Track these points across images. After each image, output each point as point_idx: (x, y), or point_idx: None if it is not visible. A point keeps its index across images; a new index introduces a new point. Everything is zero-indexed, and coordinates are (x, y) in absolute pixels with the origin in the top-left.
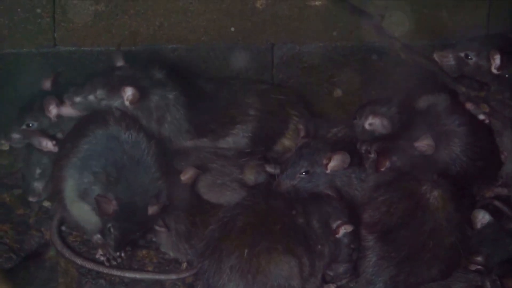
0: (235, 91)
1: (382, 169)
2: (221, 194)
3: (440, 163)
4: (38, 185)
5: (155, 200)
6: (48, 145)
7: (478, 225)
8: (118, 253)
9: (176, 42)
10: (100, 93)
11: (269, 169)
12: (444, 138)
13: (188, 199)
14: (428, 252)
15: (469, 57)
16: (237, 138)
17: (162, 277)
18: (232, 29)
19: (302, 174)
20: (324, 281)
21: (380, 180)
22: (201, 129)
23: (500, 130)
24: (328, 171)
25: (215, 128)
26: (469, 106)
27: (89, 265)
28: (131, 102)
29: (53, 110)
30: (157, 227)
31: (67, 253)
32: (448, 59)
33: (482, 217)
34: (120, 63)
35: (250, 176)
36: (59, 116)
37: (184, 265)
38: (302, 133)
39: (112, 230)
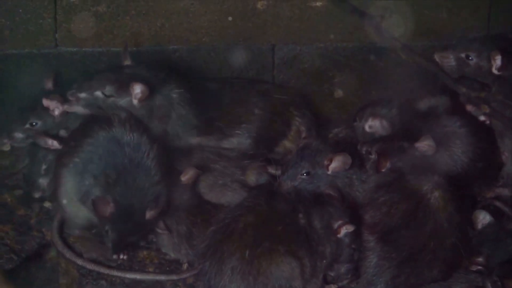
0: (238, 90)
1: (383, 170)
2: (222, 194)
3: (441, 164)
4: (43, 181)
5: (154, 204)
6: (54, 143)
7: (479, 226)
8: (116, 256)
9: (177, 43)
10: (109, 89)
11: (271, 170)
12: (445, 139)
13: (189, 199)
14: (429, 253)
15: (470, 58)
16: (241, 138)
17: (162, 277)
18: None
19: (303, 175)
20: (326, 281)
21: (381, 181)
22: (208, 126)
23: (501, 131)
24: (329, 172)
25: (222, 127)
26: (469, 108)
27: (90, 266)
28: (140, 100)
29: (56, 109)
30: (158, 230)
31: (68, 254)
32: (448, 60)
33: (483, 218)
34: (127, 62)
35: (252, 177)
36: (62, 115)
37: (185, 265)
38: (303, 134)
39: (109, 232)
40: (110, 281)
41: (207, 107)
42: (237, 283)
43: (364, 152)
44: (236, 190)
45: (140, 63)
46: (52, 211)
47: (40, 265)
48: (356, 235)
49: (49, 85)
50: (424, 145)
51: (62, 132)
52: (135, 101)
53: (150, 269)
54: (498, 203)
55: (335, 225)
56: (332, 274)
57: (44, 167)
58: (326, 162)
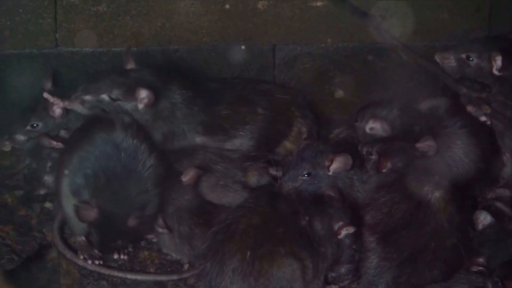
0: (240, 90)
1: (384, 171)
2: (223, 195)
3: (441, 165)
4: (48, 179)
5: (138, 213)
6: (58, 143)
7: (480, 226)
8: (101, 254)
9: (178, 43)
10: (116, 93)
11: (272, 171)
12: (446, 139)
13: (191, 200)
14: (429, 254)
15: (470, 59)
16: (244, 140)
17: (163, 278)
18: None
19: (304, 176)
20: (327, 282)
21: (381, 181)
22: (213, 126)
23: (501, 131)
24: (330, 173)
25: (227, 127)
26: (470, 109)
27: (90, 267)
28: (146, 105)
29: (57, 110)
30: (158, 229)
31: (69, 255)
32: (449, 61)
33: (484, 218)
34: (130, 65)
35: (253, 179)
36: (63, 115)
37: (186, 266)
38: (304, 135)
39: (94, 234)
40: (111, 281)
41: (211, 107)
42: (238, 284)
43: (365, 153)
44: (238, 191)
45: (144, 66)
46: (53, 212)
47: (41, 266)
48: (356, 236)
49: (48, 85)
50: (425, 145)
51: (63, 133)
52: (140, 106)
53: (151, 270)
54: (498, 204)
55: (336, 227)
56: (333, 275)
57: (49, 164)
58: (327, 163)
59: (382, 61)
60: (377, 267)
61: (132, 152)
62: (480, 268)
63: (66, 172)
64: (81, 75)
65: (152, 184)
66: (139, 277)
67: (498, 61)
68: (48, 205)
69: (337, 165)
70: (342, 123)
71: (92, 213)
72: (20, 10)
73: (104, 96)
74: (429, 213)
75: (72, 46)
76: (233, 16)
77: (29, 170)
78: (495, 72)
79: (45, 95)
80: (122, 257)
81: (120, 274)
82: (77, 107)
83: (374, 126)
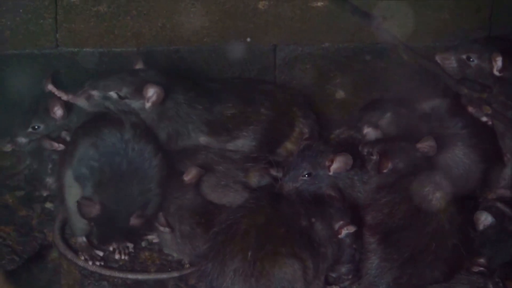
0: (242, 90)
1: (385, 171)
2: (223, 195)
3: (442, 165)
4: (49, 180)
5: (141, 212)
6: (60, 145)
7: (481, 227)
8: (99, 252)
9: (178, 43)
10: (125, 91)
11: (273, 172)
12: (447, 140)
13: (193, 199)
14: (430, 254)
15: (471, 59)
16: (247, 140)
17: (164, 275)
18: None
19: (305, 176)
20: (327, 283)
21: (382, 181)
22: (217, 126)
23: (502, 132)
24: (330, 173)
25: (231, 127)
26: (471, 109)
27: (91, 267)
28: (155, 103)
29: (58, 112)
30: (159, 227)
31: (70, 255)
32: (450, 61)
33: (485, 219)
34: (139, 66)
35: (254, 179)
36: (64, 117)
37: (187, 266)
38: (306, 136)
39: (94, 228)
40: (112, 282)
41: (215, 106)
42: (239, 285)
43: (365, 153)
44: (238, 191)
45: (152, 66)
46: (54, 212)
47: (42, 266)
48: (357, 236)
49: (49, 86)
50: (426, 145)
51: (64, 134)
52: (148, 104)
53: (152, 271)
54: (499, 204)
55: (336, 226)
56: (333, 275)
57: (50, 166)
58: (327, 163)
59: (382, 61)
60: (378, 268)
61: (138, 151)
62: (481, 268)
63: (70, 162)
64: (81, 76)
65: (155, 183)
66: (139, 276)
67: (499, 62)
68: (49, 205)
69: (337, 165)
70: (343, 124)
71: (94, 210)
72: (21, 10)
73: (112, 94)
74: (430, 214)
75: (73, 47)
76: (234, 16)
77: (30, 170)
78: (496, 72)
79: (50, 87)
80: (123, 257)
81: (121, 275)
82: (82, 102)
83: (368, 132)
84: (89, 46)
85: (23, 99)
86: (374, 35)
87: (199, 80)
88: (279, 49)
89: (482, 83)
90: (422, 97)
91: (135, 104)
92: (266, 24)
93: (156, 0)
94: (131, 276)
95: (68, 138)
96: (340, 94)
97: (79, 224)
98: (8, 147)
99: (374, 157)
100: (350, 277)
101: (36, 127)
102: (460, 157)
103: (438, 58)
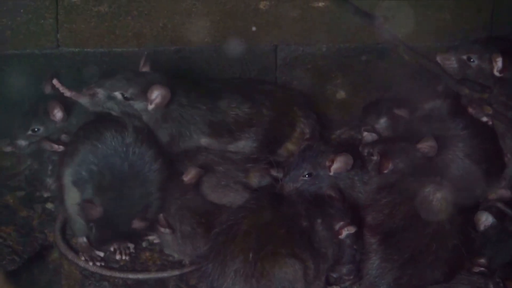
0: (243, 91)
1: (385, 171)
2: (224, 195)
3: (443, 166)
4: (50, 181)
5: (142, 215)
6: (60, 147)
7: (481, 227)
8: (100, 253)
9: (179, 43)
10: (131, 91)
11: (273, 172)
12: (447, 140)
13: (193, 200)
14: (431, 255)
15: (471, 60)
16: (248, 142)
17: (165, 274)
18: (254, 28)
19: (305, 176)
20: (328, 283)
21: (383, 182)
22: (219, 127)
23: (503, 132)
24: (331, 173)
25: (233, 129)
26: (471, 109)
27: (92, 268)
28: (159, 105)
29: (57, 114)
30: (160, 227)
31: (71, 255)
32: (450, 62)
33: (485, 219)
34: (145, 68)
35: (254, 180)
36: (64, 120)
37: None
38: (307, 136)
39: (93, 229)
40: (113, 282)
41: (217, 107)
42: (240, 285)
43: (366, 154)
44: (239, 191)
45: (153, 67)
46: (55, 212)
47: (43, 267)
48: (357, 236)
49: (48, 87)
50: (426, 146)
51: (64, 137)
52: (152, 106)
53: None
54: (500, 205)
55: (337, 226)
56: (334, 275)
57: (50, 167)
58: (327, 163)
59: (383, 62)
60: (378, 268)
61: (139, 154)
62: (482, 269)
63: (70, 163)
64: (82, 76)
65: (156, 187)
66: (140, 276)
67: (499, 62)
68: (49, 206)
69: (338, 165)
70: (343, 124)
71: (95, 212)
72: (22, 10)
73: (117, 94)
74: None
75: (74, 47)
76: (235, 17)
77: (30, 171)
78: (496, 73)
79: (54, 81)
80: (123, 258)
81: (122, 275)
82: (85, 100)
83: (365, 135)
84: (90, 46)
85: (24, 99)
86: (375, 36)
87: (200, 80)
88: (280, 49)
89: (483, 84)
90: (423, 97)
91: (138, 105)
92: (267, 24)
93: (157, 0)
94: (131, 275)
95: (67, 141)
96: (341, 94)
97: (79, 224)
98: (8, 148)
99: (375, 158)
100: (351, 277)
101: (36, 129)
102: (460, 157)
103: (438, 59)
